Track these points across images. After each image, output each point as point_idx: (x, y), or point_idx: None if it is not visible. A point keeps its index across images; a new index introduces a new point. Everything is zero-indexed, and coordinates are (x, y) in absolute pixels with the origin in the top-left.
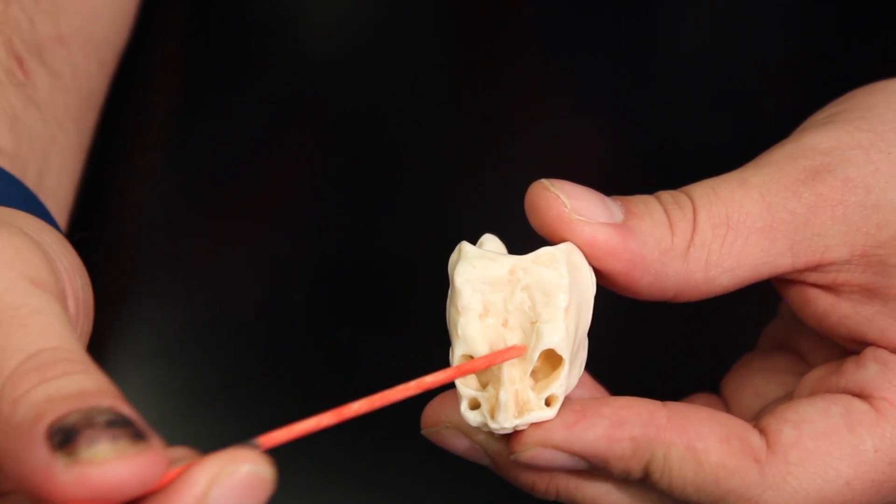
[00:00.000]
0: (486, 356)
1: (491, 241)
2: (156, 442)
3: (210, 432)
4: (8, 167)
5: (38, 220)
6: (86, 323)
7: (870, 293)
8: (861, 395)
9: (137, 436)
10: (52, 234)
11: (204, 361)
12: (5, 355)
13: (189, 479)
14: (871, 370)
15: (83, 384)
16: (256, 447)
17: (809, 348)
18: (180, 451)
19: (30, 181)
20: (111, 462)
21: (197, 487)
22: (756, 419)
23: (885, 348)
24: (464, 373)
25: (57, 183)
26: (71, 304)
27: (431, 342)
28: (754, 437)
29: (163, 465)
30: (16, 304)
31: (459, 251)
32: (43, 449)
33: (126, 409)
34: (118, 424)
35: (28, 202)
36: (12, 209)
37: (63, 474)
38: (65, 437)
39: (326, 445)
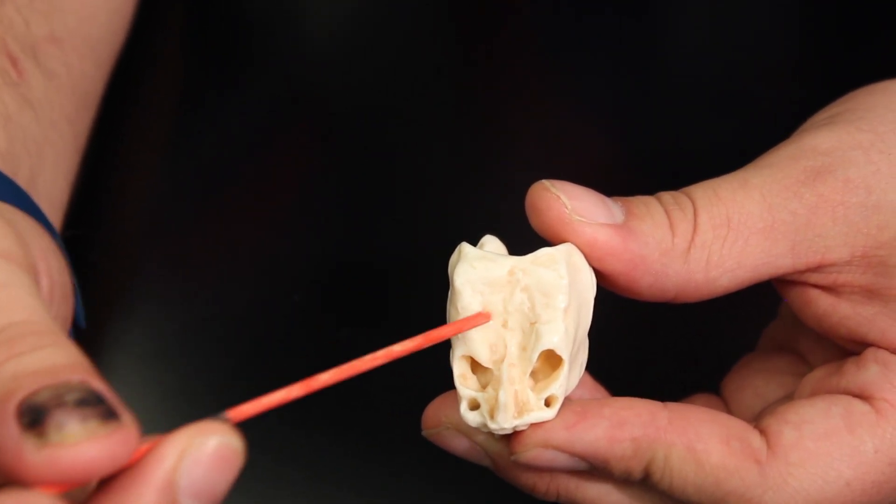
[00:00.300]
0: (454, 323)
1: (491, 242)
2: (127, 419)
3: None
4: (0, 166)
5: (11, 207)
6: (64, 307)
7: (870, 294)
8: (861, 396)
9: (108, 414)
10: (25, 219)
11: (203, 361)
12: None
13: (158, 453)
14: (872, 371)
15: (53, 359)
16: (225, 420)
17: (810, 349)
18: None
19: (21, 180)
20: (81, 444)
21: (166, 461)
22: (756, 420)
23: (886, 349)
24: (432, 340)
25: (51, 183)
26: (44, 280)
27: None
28: (755, 437)
29: (133, 443)
30: None
31: (459, 252)
32: (13, 428)
33: (97, 384)
34: (88, 403)
35: (19, 201)
36: None
37: (32, 456)
38: (34, 417)
39: (326, 446)
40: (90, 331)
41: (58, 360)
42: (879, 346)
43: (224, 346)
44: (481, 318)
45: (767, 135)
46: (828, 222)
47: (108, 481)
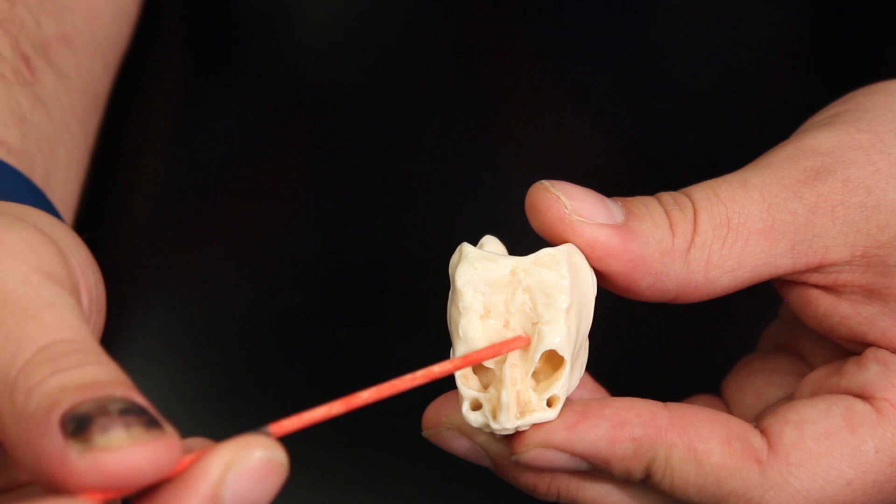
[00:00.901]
0: (492, 346)
1: (491, 243)
2: (170, 430)
3: (211, 433)
4: (16, 165)
5: (50, 216)
6: (98, 318)
7: (870, 294)
8: (862, 396)
9: (151, 423)
10: (64, 230)
11: (204, 361)
12: (19, 347)
13: (203, 465)
14: (872, 371)
15: (97, 374)
16: (268, 434)
17: (810, 349)
18: (195, 441)
19: (37, 180)
20: (125, 448)
21: (212, 474)
22: (757, 420)
23: (886, 349)
24: (471, 362)
25: (63, 182)
26: (84, 298)
27: (432, 342)
28: (755, 437)
29: (177, 453)
30: (30, 296)
31: (460, 252)
32: (57, 436)
33: (139, 399)
34: (132, 412)
35: (37, 200)
36: (25, 206)
37: (77, 461)
38: (78, 425)
39: (326, 447)
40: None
41: (101, 375)
42: (880, 346)
43: (225, 346)
44: (520, 341)
45: (767, 135)
46: (828, 222)
47: (151, 492)
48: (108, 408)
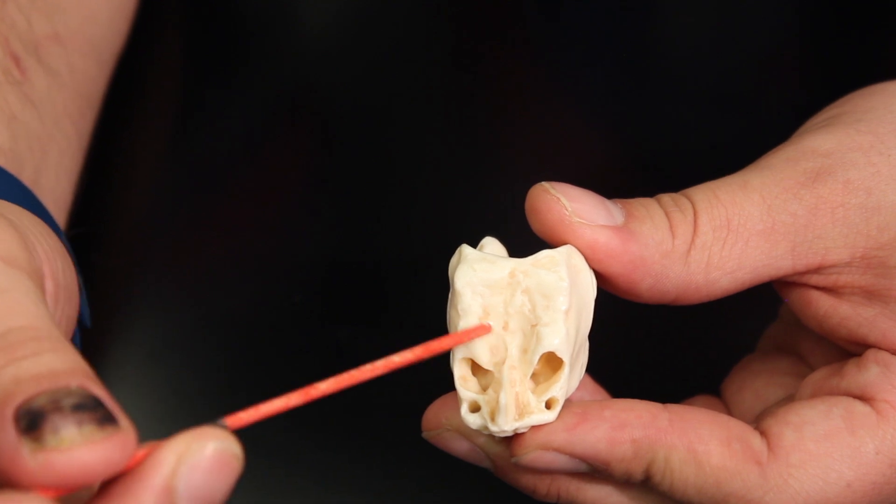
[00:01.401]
0: (454, 334)
1: (491, 244)
2: (125, 423)
3: None
4: (4, 165)
5: (16, 206)
6: (69, 307)
7: (870, 295)
8: (862, 398)
9: (105, 419)
10: (31, 219)
11: (203, 361)
12: None
13: (156, 458)
14: (873, 372)
15: (52, 364)
16: (224, 427)
17: (810, 350)
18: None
19: (26, 179)
20: (77, 448)
21: (165, 466)
22: (757, 421)
23: (886, 350)
24: (432, 351)
25: (55, 182)
26: (49, 284)
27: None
28: (755, 439)
29: (131, 448)
30: None
31: (460, 254)
32: (10, 433)
33: (96, 389)
34: (85, 408)
35: (25, 199)
36: None
37: (29, 460)
38: (31, 422)
39: (325, 448)
40: (91, 330)
41: (57, 365)
42: (880, 348)
43: (224, 346)
44: (482, 329)
45: (767, 136)
46: (828, 224)
47: (107, 485)
48: (61, 403)
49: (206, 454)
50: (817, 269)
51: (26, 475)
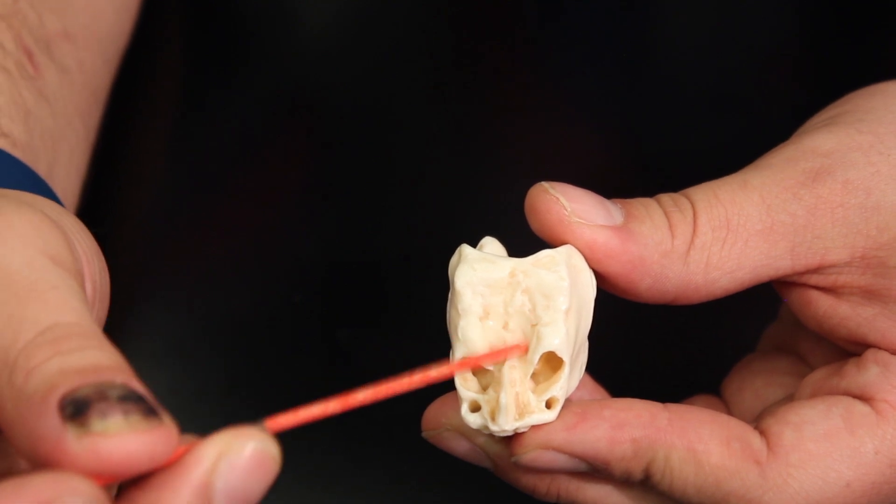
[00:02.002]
0: (491, 352)
1: (491, 244)
2: (167, 420)
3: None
4: (22, 159)
5: (57, 205)
6: (101, 308)
7: (870, 295)
8: (862, 398)
9: (149, 412)
10: (71, 218)
11: (202, 361)
12: (22, 327)
13: (196, 455)
14: (872, 372)
15: (97, 359)
16: (263, 427)
17: (810, 350)
18: (191, 440)
19: (41, 174)
20: (122, 435)
21: (204, 463)
22: (756, 421)
23: (886, 350)
24: (468, 366)
25: (65, 177)
26: (88, 286)
27: (431, 343)
28: (755, 438)
29: (173, 443)
30: (34, 278)
31: (460, 254)
32: (54, 419)
33: (138, 387)
34: (130, 399)
35: (43, 193)
36: (33, 194)
37: (74, 444)
38: (76, 409)
39: (327, 448)
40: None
41: (101, 360)
42: (880, 347)
43: (223, 346)
44: (518, 349)
45: (766, 136)
46: (827, 224)
47: (145, 479)
48: (107, 393)
49: (245, 454)
50: (817, 269)
51: (70, 460)
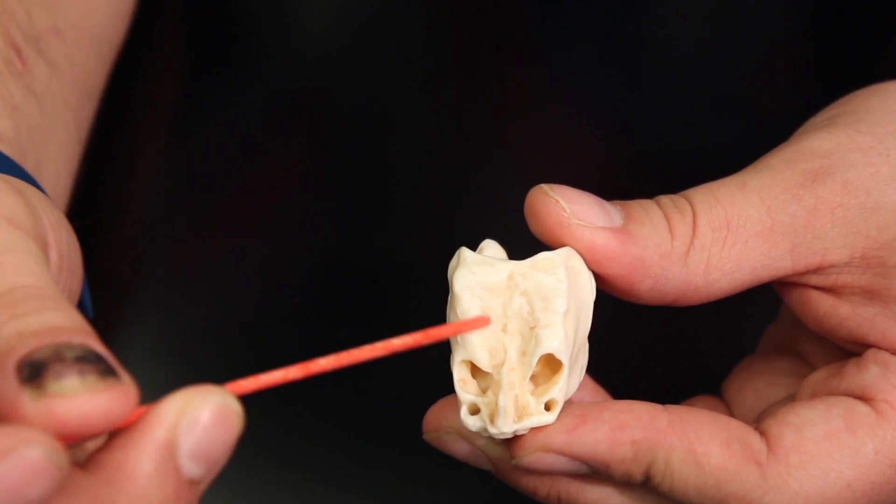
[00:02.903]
0: (453, 323)
1: (491, 247)
2: (126, 379)
3: None
4: (8, 154)
5: (24, 182)
6: (71, 280)
7: (870, 295)
8: (862, 398)
9: (107, 372)
10: (36, 192)
11: (201, 361)
12: None
13: (157, 414)
14: (872, 372)
15: (55, 321)
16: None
17: (811, 350)
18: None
19: (29, 170)
20: (78, 396)
21: (166, 421)
22: (757, 422)
23: (886, 350)
24: (431, 338)
25: (54, 174)
26: (53, 253)
27: (431, 345)
28: (755, 439)
29: (132, 402)
30: None
31: (459, 257)
32: (11, 382)
33: (97, 346)
34: (87, 360)
35: None
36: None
37: (30, 406)
38: (33, 371)
39: (328, 449)
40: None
41: (59, 322)
42: (880, 347)
43: (223, 346)
44: (481, 321)
45: (766, 137)
46: (827, 224)
47: (108, 441)
48: (64, 355)
49: (206, 410)
50: (817, 270)
51: (27, 422)
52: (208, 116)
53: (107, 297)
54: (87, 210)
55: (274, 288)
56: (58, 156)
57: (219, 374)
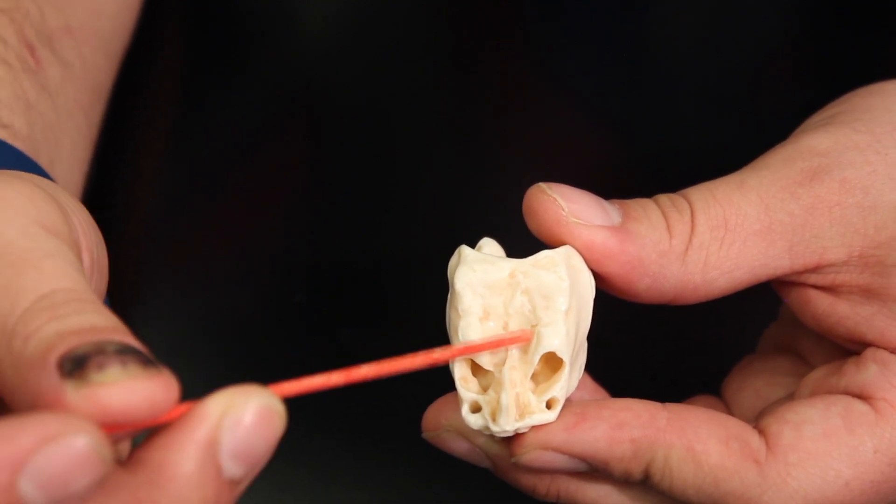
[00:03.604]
0: (494, 338)
1: (489, 245)
2: (166, 372)
3: None
4: (23, 150)
5: (52, 182)
6: (100, 281)
7: (868, 294)
8: (861, 396)
9: (148, 363)
10: (66, 193)
11: (202, 361)
12: (18, 296)
13: (200, 412)
14: (871, 371)
15: (94, 321)
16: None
17: (810, 349)
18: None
19: (42, 166)
20: (121, 384)
21: (209, 420)
22: (756, 420)
23: (885, 349)
24: (472, 350)
25: (66, 172)
26: (86, 256)
27: (431, 344)
28: (754, 438)
29: (173, 393)
30: (29, 247)
31: (459, 255)
32: (53, 377)
33: (136, 343)
34: (128, 353)
35: None
36: (28, 173)
37: (72, 396)
38: (75, 365)
39: (328, 448)
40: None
41: (98, 322)
42: (878, 346)
43: (224, 346)
44: (523, 336)
45: (765, 136)
46: (825, 223)
47: (149, 438)
48: (105, 348)
49: (249, 410)
50: (815, 269)
51: (70, 411)
52: (208, 116)
53: (108, 296)
54: (89, 208)
55: (274, 288)
56: (70, 154)
57: (219, 374)
